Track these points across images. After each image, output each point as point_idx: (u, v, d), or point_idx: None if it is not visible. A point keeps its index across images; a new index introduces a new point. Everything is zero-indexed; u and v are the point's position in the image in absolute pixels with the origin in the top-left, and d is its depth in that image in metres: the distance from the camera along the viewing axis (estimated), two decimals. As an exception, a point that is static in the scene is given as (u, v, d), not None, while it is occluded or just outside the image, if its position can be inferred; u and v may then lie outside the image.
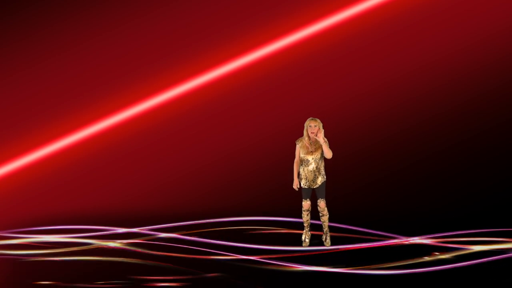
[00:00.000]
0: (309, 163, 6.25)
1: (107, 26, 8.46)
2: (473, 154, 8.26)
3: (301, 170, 6.32)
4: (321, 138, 6.12)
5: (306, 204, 6.37)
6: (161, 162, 8.57)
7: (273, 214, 7.51)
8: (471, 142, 8.25)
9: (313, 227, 6.64)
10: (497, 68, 8.22)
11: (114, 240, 6.75)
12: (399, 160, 8.33)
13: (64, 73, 8.52)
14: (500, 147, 8.21)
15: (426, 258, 5.96)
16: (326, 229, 6.48)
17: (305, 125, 6.23)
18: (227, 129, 8.55)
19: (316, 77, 8.44)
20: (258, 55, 8.44)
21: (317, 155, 6.24)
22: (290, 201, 6.95)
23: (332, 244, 6.44)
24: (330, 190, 6.50)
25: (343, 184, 7.95)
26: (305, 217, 6.44)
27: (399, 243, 6.45)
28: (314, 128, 6.15)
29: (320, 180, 6.29)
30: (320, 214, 6.41)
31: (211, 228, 7.10)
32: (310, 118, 6.23)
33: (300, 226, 6.69)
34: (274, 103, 8.49)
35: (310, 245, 6.48)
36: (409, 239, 6.52)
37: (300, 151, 6.29)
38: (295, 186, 6.36)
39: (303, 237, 6.54)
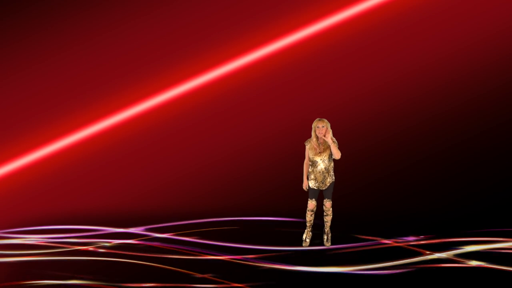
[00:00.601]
0: (318, 164, 6.26)
1: (107, 26, 8.46)
2: (473, 154, 8.26)
3: (310, 171, 6.32)
4: (329, 139, 6.10)
5: (311, 204, 6.37)
6: (161, 162, 8.57)
7: (273, 214, 7.52)
8: (471, 142, 8.26)
9: (313, 227, 6.64)
10: (497, 68, 8.23)
11: (114, 240, 6.76)
12: (399, 160, 8.34)
13: (64, 73, 8.51)
14: (500, 147, 8.21)
15: (423, 258, 5.96)
16: (327, 229, 6.49)
17: (312, 126, 6.22)
18: (227, 129, 8.56)
19: (316, 77, 8.45)
20: (258, 55, 8.44)
21: (325, 156, 6.23)
22: (290, 201, 6.96)
23: (332, 244, 6.44)
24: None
25: (343, 184, 7.95)
26: (309, 217, 6.44)
27: (398, 243, 6.45)
28: (322, 129, 6.14)
29: (328, 181, 6.30)
30: (325, 214, 6.42)
31: (209, 227, 7.11)
32: (318, 118, 6.22)
33: (301, 226, 6.69)
34: (274, 103, 8.49)
35: (311, 245, 6.48)
36: (408, 239, 6.52)
37: (309, 152, 6.28)
38: (305, 187, 6.36)
39: (304, 237, 6.54)
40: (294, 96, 8.46)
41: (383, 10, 8.35)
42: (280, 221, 7.34)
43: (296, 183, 6.50)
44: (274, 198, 8.04)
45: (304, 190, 6.42)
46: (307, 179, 6.35)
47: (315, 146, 6.23)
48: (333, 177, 6.34)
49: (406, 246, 6.34)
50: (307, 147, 6.31)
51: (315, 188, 6.31)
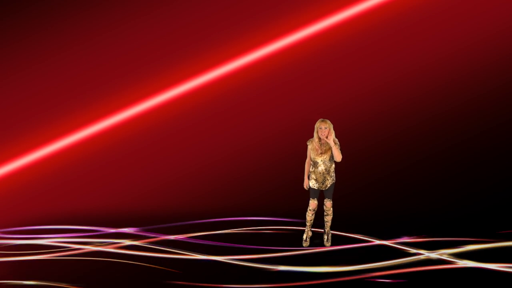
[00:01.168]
0: (318, 165, 6.25)
1: (107, 26, 8.45)
2: (473, 154, 8.26)
3: (311, 171, 6.31)
4: (331, 141, 6.08)
5: (313, 203, 6.37)
6: (161, 162, 8.57)
7: (273, 214, 7.51)
8: (471, 142, 8.26)
9: (315, 226, 6.64)
10: (497, 68, 8.22)
11: (114, 240, 6.75)
12: (399, 160, 8.33)
13: (64, 73, 8.51)
14: (500, 147, 8.21)
15: (419, 257, 5.96)
16: (327, 229, 6.49)
17: (315, 126, 6.20)
18: (227, 129, 8.55)
19: (316, 77, 8.45)
20: (258, 55, 8.44)
21: (326, 157, 6.22)
22: (290, 201, 6.96)
23: (332, 244, 6.44)
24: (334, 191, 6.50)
25: (343, 184, 7.94)
26: (309, 216, 6.44)
27: (397, 243, 6.45)
28: (324, 130, 6.12)
29: (329, 182, 6.30)
30: (325, 214, 6.42)
31: (210, 228, 7.11)
32: (321, 119, 6.19)
33: (301, 225, 6.69)
34: (274, 103, 8.49)
35: (311, 245, 6.48)
36: (407, 239, 6.52)
37: (311, 153, 6.27)
38: (305, 186, 6.35)
39: (304, 236, 6.54)
40: (294, 96, 8.46)
41: (383, 10, 8.35)
42: (280, 221, 7.33)
43: (296, 183, 6.50)
44: (274, 198, 8.04)
45: (304, 190, 6.42)
46: (308, 178, 6.35)
47: (317, 147, 6.22)
48: (334, 178, 6.34)
49: (406, 246, 6.34)
50: (309, 147, 6.30)
51: (316, 188, 6.31)
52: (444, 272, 5.65)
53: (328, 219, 6.43)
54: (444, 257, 5.98)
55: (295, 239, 6.61)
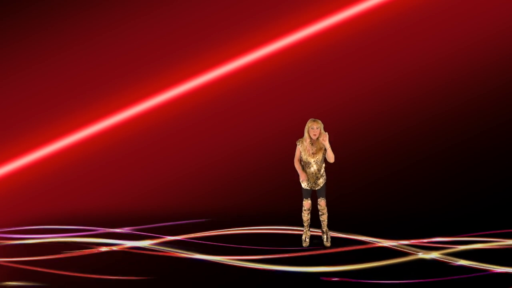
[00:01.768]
0: (311, 165, 6.23)
1: (107, 26, 8.46)
2: (473, 154, 8.26)
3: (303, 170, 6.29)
4: (327, 142, 6.07)
5: (307, 203, 6.36)
6: (161, 162, 8.57)
7: (273, 214, 7.51)
8: (471, 142, 8.25)
9: (313, 226, 6.64)
10: (497, 68, 8.22)
11: (114, 240, 6.75)
12: (399, 160, 8.33)
13: (64, 73, 8.52)
14: (500, 147, 8.21)
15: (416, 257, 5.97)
16: (325, 228, 6.47)
17: (306, 126, 6.17)
18: (227, 129, 8.55)
19: (316, 77, 8.45)
20: (258, 55, 8.44)
21: (319, 157, 6.20)
22: (290, 201, 6.95)
23: (332, 245, 6.44)
24: (331, 191, 6.49)
25: (343, 184, 7.95)
26: (305, 216, 6.44)
27: (396, 244, 6.45)
28: (316, 130, 6.10)
29: (321, 181, 6.29)
30: (320, 213, 6.41)
31: (210, 228, 7.11)
32: (312, 119, 6.15)
33: (302, 226, 6.69)
34: (274, 103, 8.49)
35: (310, 245, 6.48)
36: (407, 241, 6.52)
37: (301, 153, 6.23)
38: (304, 178, 6.26)
39: (303, 237, 6.54)
40: (294, 96, 8.46)
41: (383, 10, 8.35)
42: (279, 221, 7.33)
43: (296, 183, 6.49)
44: (274, 198, 8.04)
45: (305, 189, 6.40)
46: (304, 173, 6.28)
47: (308, 147, 6.18)
48: (325, 177, 6.32)
49: (404, 246, 6.34)
50: (298, 146, 6.24)
51: (308, 188, 6.30)
52: (440, 272, 5.65)
53: (324, 218, 6.41)
54: (439, 257, 5.98)
55: (295, 239, 6.60)
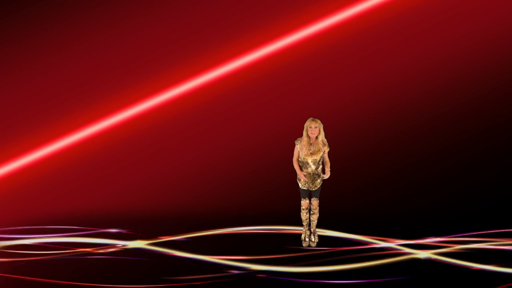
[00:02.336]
0: (308, 165, 6.24)
1: (107, 26, 8.45)
2: (473, 154, 8.26)
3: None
4: (326, 155, 6.19)
5: (305, 203, 6.39)
6: (161, 162, 8.57)
7: (272, 214, 7.51)
8: (471, 142, 8.26)
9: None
10: (497, 68, 8.22)
11: (113, 240, 6.76)
12: (398, 160, 8.33)
13: (64, 73, 8.51)
14: (500, 147, 8.21)
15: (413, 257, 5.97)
16: (314, 228, 6.51)
17: (305, 125, 6.19)
18: (227, 129, 8.55)
19: (316, 77, 8.44)
20: (258, 55, 8.44)
21: (316, 158, 6.21)
22: (290, 201, 6.95)
23: (332, 245, 6.44)
24: (330, 191, 6.49)
25: (343, 184, 7.95)
26: (304, 216, 6.46)
27: (394, 245, 6.45)
28: (314, 130, 6.11)
29: (318, 182, 6.29)
30: (312, 213, 6.44)
31: (209, 228, 7.11)
32: (311, 118, 6.18)
33: (301, 225, 6.70)
34: (274, 103, 8.49)
35: (309, 245, 6.48)
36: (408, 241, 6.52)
37: (299, 152, 6.25)
38: (302, 175, 6.28)
39: (302, 236, 6.55)
40: (294, 96, 8.46)
41: (383, 10, 8.35)
42: (279, 221, 7.33)
43: (296, 183, 6.49)
44: (274, 198, 8.04)
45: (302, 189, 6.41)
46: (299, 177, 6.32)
47: (306, 147, 6.19)
48: (323, 178, 6.32)
49: (404, 246, 6.34)
50: (297, 145, 6.26)
51: (305, 188, 6.31)
52: (436, 271, 5.65)
53: (314, 218, 6.45)
54: (434, 257, 5.98)
55: (295, 240, 6.61)
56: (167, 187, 8.38)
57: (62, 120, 8.48)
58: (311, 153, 6.19)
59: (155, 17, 8.48)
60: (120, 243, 6.62)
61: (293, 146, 6.33)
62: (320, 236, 6.61)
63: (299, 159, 6.26)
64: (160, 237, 6.74)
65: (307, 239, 6.51)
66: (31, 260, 6.16)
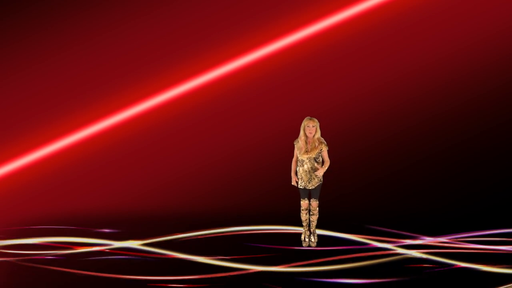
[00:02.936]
0: (304, 163, 6.26)
1: (107, 26, 8.45)
2: (473, 154, 8.26)
3: (298, 170, 6.33)
4: (321, 175, 6.19)
5: (304, 203, 6.40)
6: (161, 162, 8.57)
7: (272, 214, 7.51)
8: (471, 142, 8.26)
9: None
10: (497, 68, 8.22)
11: (114, 240, 6.76)
12: (399, 160, 8.33)
13: (64, 73, 8.51)
14: (500, 147, 8.21)
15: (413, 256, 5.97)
16: (313, 229, 6.52)
17: (302, 124, 6.22)
18: (227, 129, 8.55)
19: (316, 77, 8.44)
20: (258, 55, 8.44)
21: (311, 155, 6.22)
22: (290, 201, 6.95)
23: (331, 245, 6.45)
24: (330, 191, 6.49)
25: (343, 184, 7.95)
26: (304, 216, 6.47)
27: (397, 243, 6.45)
28: (311, 129, 6.15)
29: (316, 181, 6.29)
30: (311, 213, 6.44)
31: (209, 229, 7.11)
32: (308, 117, 6.22)
33: (301, 225, 6.70)
34: (274, 103, 8.49)
35: (308, 245, 6.48)
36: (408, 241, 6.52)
37: (297, 152, 6.28)
38: (293, 182, 6.37)
39: (302, 237, 6.55)
40: (294, 96, 8.46)
41: (383, 10, 8.35)
42: (279, 221, 7.33)
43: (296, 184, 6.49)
44: (274, 198, 8.04)
45: (296, 186, 6.42)
46: (296, 175, 6.35)
47: (303, 145, 6.21)
48: (321, 179, 6.33)
49: (404, 247, 6.34)
50: (296, 146, 6.31)
51: (302, 187, 6.33)
52: (439, 271, 5.65)
53: (313, 218, 6.46)
54: (434, 257, 5.98)
55: (295, 240, 6.61)
56: (167, 187, 8.38)
57: (62, 120, 8.48)
58: (306, 151, 6.21)
59: (155, 17, 8.48)
60: (119, 242, 6.62)
61: (293, 146, 6.35)
62: (319, 236, 6.61)
63: (298, 159, 6.29)
64: (156, 237, 6.75)
65: (307, 240, 6.52)
66: (31, 260, 6.16)
